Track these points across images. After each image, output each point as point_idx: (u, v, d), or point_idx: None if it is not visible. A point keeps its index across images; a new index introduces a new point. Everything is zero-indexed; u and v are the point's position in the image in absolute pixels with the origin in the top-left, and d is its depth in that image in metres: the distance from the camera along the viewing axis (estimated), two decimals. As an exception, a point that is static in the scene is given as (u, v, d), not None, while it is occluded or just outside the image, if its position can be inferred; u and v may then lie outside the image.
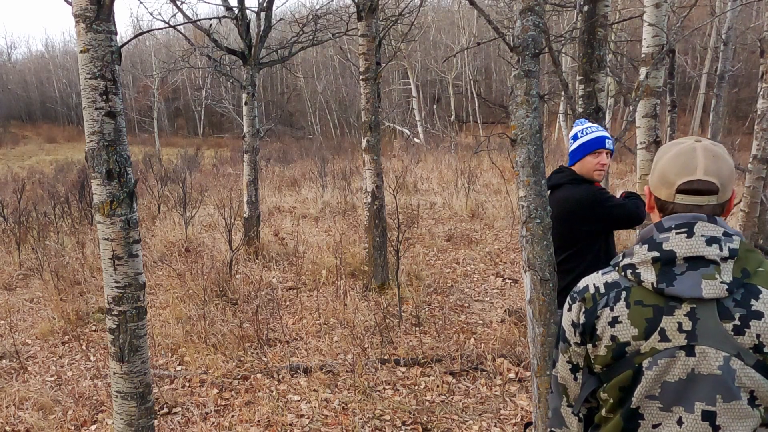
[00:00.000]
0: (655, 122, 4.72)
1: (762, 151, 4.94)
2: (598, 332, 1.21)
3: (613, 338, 1.19)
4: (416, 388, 3.79)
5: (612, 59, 8.11)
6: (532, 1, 2.21)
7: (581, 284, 1.29)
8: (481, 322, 4.97)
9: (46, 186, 13.17)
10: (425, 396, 3.69)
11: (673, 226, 1.17)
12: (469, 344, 4.45)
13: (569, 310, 1.29)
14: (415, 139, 22.93)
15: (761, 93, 4.87)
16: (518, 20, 2.28)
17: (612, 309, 1.19)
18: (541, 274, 2.31)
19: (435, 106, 29.57)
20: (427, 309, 5.24)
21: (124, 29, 48.66)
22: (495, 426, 3.35)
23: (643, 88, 4.39)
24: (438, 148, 18.93)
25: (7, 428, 3.54)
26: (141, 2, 9.05)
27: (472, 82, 29.63)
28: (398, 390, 3.79)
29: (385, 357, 4.21)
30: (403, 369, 4.06)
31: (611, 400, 1.22)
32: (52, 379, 4.28)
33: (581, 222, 2.69)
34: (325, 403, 3.62)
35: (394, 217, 6.73)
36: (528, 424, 3.26)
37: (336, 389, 3.81)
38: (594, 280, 1.26)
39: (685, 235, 1.15)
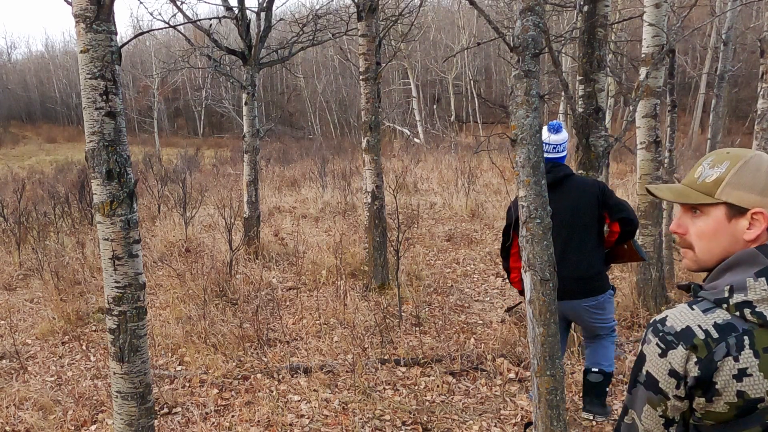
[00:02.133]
0: (655, 122, 4.72)
1: (762, 151, 4.94)
2: (717, 387, 1.01)
3: (741, 394, 1.00)
4: (416, 388, 3.79)
5: (612, 59, 8.11)
6: (532, 1, 2.21)
7: (677, 324, 1.05)
8: (481, 322, 4.97)
9: (46, 186, 13.15)
10: (425, 396, 3.69)
11: None
12: (469, 344, 4.45)
13: (663, 355, 1.05)
14: (415, 139, 22.94)
15: (761, 93, 4.87)
16: (518, 20, 2.28)
17: (737, 359, 1.00)
18: (541, 274, 2.32)
19: (435, 106, 29.57)
20: (427, 309, 5.24)
21: (124, 29, 48.65)
22: (495, 426, 3.34)
23: (643, 88, 4.39)
24: (438, 148, 18.93)
25: (7, 428, 3.54)
26: (141, 2, 9.05)
27: (472, 82, 29.64)
28: (398, 390, 3.79)
29: (385, 357, 4.21)
30: (403, 369, 4.06)
31: None
32: (52, 379, 4.28)
33: (599, 206, 2.90)
34: (325, 403, 3.62)
35: (394, 217, 6.73)
36: (528, 424, 3.26)
37: (336, 389, 3.81)
38: (697, 321, 1.04)
39: None
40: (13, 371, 4.40)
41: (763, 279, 1.01)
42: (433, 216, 9.41)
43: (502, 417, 3.43)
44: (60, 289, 5.83)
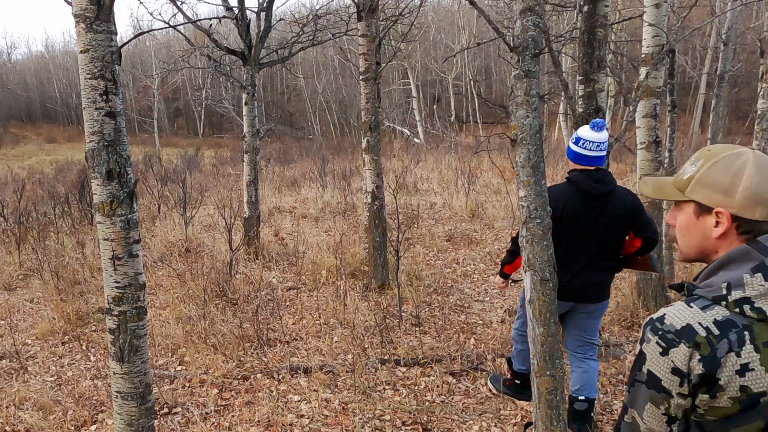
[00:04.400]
0: (655, 122, 4.72)
1: (762, 151, 4.94)
2: (721, 382, 1.03)
3: (744, 389, 1.03)
4: (416, 388, 3.79)
5: (612, 59, 8.11)
6: (532, 1, 2.21)
7: (677, 323, 1.07)
8: (481, 322, 4.97)
9: (46, 186, 13.15)
10: (425, 396, 3.69)
11: None
12: (469, 344, 4.45)
13: (664, 354, 1.06)
14: (415, 139, 22.94)
15: (761, 93, 4.87)
16: (518, 20, 2.28)
17: (739, 355, 1.01)
18: (541, 274, 2.32)
19: (435, 106, 29.57)
20: (427, 309, 5.24)
21: (124, 29, 48.75)
22: (495, 426, 3.35)
23: (643, 88, 4.39)
24: (438, 148, 18.92)
25: (7, 428, 3.54)
26: (141, 2, 9.05)
27: (472, 82, 29.65)
28: (398, 390, 3.79)
29: (385, 357, 4.21)
30: (403, 369, 4.06)
31: None
32: (52, 379, 4.28)
33: (631, 224, 3.04)
34: (325, 403, 3.62)
35: (394, 217, 6.73)
36: (528, 424, 3.26)
37: (336, 389, 3.81)
38: (697, 319, 1.05)
39: None
40: (13, 371, 4.40)
41: (760, 275, 1.03)
42: (433, 216, 9.41)
43: (502, 417, 3.44)
44: (60, 289, 5.83)
